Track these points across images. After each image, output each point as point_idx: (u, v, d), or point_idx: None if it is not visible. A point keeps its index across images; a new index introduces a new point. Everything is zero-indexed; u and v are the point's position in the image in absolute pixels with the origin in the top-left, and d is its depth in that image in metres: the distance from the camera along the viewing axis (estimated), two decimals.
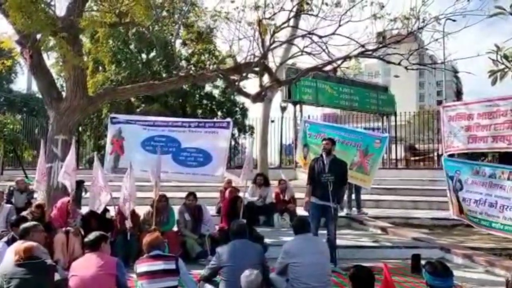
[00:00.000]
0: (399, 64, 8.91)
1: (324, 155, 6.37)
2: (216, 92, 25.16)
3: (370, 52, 8.96)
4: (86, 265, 3.90)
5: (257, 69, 9.16)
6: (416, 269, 5.79)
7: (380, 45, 9.16)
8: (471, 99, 7.73)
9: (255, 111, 24.43)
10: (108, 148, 7.50)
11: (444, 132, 7.13)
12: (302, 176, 13.83)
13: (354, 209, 9.68)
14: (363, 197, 9.85)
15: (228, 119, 7.65)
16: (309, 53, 9.26)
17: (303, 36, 9.31)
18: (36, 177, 7.24)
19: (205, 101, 24.83)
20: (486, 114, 6.64)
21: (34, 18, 6.48)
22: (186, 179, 7.65)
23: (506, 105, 6.44)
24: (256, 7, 8.73)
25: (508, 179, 6.11)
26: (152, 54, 23.83)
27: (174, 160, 7.21)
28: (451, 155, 7.43)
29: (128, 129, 7.38)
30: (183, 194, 7.26)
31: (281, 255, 4.54)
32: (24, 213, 6.05)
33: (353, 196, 9.70)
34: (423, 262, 4.07)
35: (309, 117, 14.62)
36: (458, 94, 77.21)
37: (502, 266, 5.94)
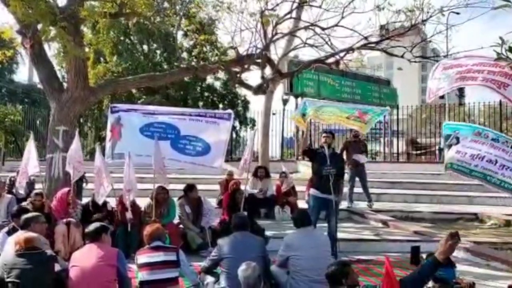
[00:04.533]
0: (402, 56, 8.85)
1: (325, 148, 6.34)
2: (217, 84, 25.10)
3: (373, 45, 8.90)
4: (87, 256, 3.89)
5: (259, 61, 9.11)
6: (415, 261, 5.77)
7: (383, 38, 9.10)
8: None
9: (256, 104, 24.39)
10: (107, 136, 7.44)
11: (432, 79, 6.70)
12: (303, 169, 13.83)
13: (355, 202, 9.67)
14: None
15: (229, 111, 7.56)
16: (311, 45, 9.21)
17: (305, 28, 9.26)
18: (18, 178, 7.05)
19: (206, 93, 24.79)
20: (482, 63, 6.42)
21: (34, 7, 6.43)
22: (182, 167, 7.57)
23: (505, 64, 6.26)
24: None
25: None
26: (154, 45, 23.74)
27: (172, 146, 7.08)
28: None
29: (128, 116, 7.29)
30: (183, 186, 7.23)
31: (282, 248, 4.54)
32: (24, 204, 6.04)
33: (354, 189, 9.71)
34: (423, 255, 4.05)
35: None
36: (461, 88, 76.96)
37: (503, 260, 5.93)
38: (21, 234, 4.08)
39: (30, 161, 6.66)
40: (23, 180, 6.77)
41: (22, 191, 6.97)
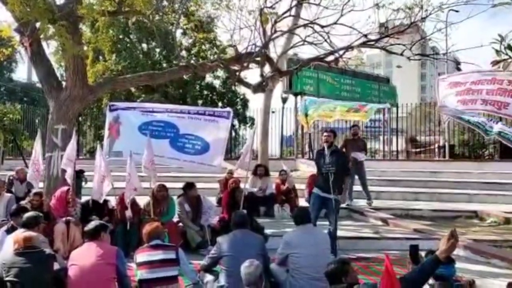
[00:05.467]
0: (401, 54, 8.84)
1: (325, 147, 6.34)
2: (217, 83, 25.04)
3: (372, 42, 8.87)
4: (86, 254, 3.89)
5: (258, 59, 9.08)
6: (414, 259, 5.75)
7: (383, 35, 9.08)
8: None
9: (256, 102, 24.34)
10: (106, 134, 7.42)
11: (440, 102, 6.96)
12: (303, 167, 13.83)
13: (355, 200, 9.66)
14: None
15: (229, 109, 7.54)
16: (311, 43, 9.18)
17: (305, 26, 9.24)
18: (29, 171, 7.15)
19: (205, 92, 24.72)
20: (480, 81, 6.47)
21: (32, 5, 6.40)
22: (181, 165, 7.55)
23: (503, 75, 6.27)
24: None
25: None
26: (153, 44, 23.68)
27: (171, 145, 7.06)
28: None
29: (126, 114, 7.26)
30: (182, 185, 7.21)
31: (282, 245, 4.53)
32: (23, 203, 6.03)
33: (354, 188, 9.69)
34: (422, 253, 4.05)
35: None
36: None
37: (503, 257, 5.94)
38: (20, 233, 4.07)
39: (41, 158, 6.73)
40: (38, 177, 6.78)
41: (36, 184, 6.92)
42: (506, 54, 6.09)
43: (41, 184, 7.57)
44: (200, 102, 23.92)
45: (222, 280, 4.25)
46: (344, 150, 8.97)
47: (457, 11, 12.18)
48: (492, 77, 6.36)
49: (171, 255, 4.12)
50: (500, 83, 6.27)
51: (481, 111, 6.88)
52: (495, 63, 6.08)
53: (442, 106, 6.65)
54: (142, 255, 4.08)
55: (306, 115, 8.48)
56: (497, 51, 6.14)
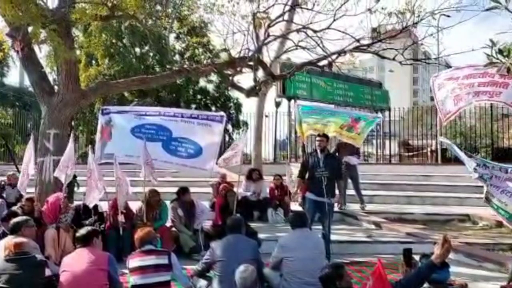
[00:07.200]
0: (393, 59, 8.89)
1: (318, 151, 6.35)
2: (210, 87, 25.01)
3: (365, 47, 8.92)
4: (78, 260, 3.85)
5: (251, 63, 9.09)
6: (407, 262, 5.76)
7: (375, 40, 9.13)
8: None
9: (249, 106, 24.29)
10: (97, 137, 7.37)
11: (438, 103, 6.98)
12: (296, 172, 13.81)
13: (348, 204, 9.67)
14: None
15: (222, 113, 7.53)
16: (303, 48, 9.20)
17: (298, 30, 9.26)
18: (20, 178, 7.00)
19: (199, 96, 24.67)
20: (472, 75, 6.53)
21: (24, 10, 6.37)
22: (174, 169, 7.52)
23: (495, 70, 6.33)
24: (251, 0, 8.65)
25: None
26: (146, 48, 23.62)
27: (164, 148, 7.03)
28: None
29: (118, 118, 7.23)
30: (176, 189, 7.18)
31: (277, 249, 4.53)
32: (14, 208, 5.97)
33: (347, 191, 9.71)
34: (416, 257, 4.05)
35: None
36: None
37: (495, 261, 5.96)
38: (11, 239, 4.03)
39: (31, 163, 6.63)
40: (25, 181, 6.69)
41: (23, 192, 6.86)
42: (497, 59, 6.15)
43: (32, 190, 7.49)
44: (193, 106, 23.85)
45: (215, 285, 4.23)
46: (337, 154, 9.01)
47: (448, 16, 12.27)
48: (484, 72, 6.44)
49: (164, 260, 4.09)
50: (492, 76, 6.33)
51: (474, 102, 6.88)
52: (486, 65, 6.16)
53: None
54: (134, 260, 4.05)
55: (301, 124, 8.50)
56: (488, 56, 6.21)
